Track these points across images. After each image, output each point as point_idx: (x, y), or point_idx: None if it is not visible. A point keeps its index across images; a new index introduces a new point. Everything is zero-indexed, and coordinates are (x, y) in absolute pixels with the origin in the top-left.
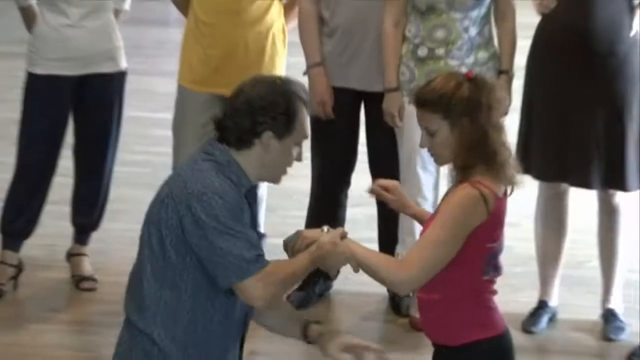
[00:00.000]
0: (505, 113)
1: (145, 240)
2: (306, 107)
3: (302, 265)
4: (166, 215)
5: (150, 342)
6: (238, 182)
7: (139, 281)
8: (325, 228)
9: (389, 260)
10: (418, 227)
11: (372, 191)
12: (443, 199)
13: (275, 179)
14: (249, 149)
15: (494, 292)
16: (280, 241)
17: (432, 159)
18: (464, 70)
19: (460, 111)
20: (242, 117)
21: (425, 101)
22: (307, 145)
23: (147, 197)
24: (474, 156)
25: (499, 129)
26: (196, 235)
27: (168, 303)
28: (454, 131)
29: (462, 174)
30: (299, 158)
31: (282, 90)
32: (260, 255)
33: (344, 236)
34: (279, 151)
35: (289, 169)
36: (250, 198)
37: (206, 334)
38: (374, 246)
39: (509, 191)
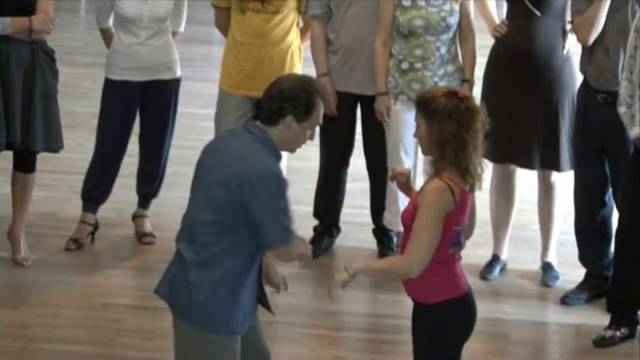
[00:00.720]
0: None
1: (207, 194)
2: (323, 102)
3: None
4: (229, 184)
5: (192, 267)
6: (276, 155)
7: (192, 221)
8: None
9: (394, 259)
10: (401, 198)
11: (391, 178)
12: (420, 191)
13: (292, 150)
14: (275, 126)
15: (459, 260)
16: (297, 208)
17: (412, 146)
18: (436, 79)
19: (435, 115)
20: (273, 102)
21: (418, 100)
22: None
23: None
24: (440, 154)
25: (467, 143)
26: (255, 208)
27: (210, 243)
28: (427, 129)
29: (434, 168)
30: (312, 138)
31: (306, 87)
32: (293, 230)
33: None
34: (297, 131)
35: (304, 148)
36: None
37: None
38: (367, 212)
39: (476, 188)
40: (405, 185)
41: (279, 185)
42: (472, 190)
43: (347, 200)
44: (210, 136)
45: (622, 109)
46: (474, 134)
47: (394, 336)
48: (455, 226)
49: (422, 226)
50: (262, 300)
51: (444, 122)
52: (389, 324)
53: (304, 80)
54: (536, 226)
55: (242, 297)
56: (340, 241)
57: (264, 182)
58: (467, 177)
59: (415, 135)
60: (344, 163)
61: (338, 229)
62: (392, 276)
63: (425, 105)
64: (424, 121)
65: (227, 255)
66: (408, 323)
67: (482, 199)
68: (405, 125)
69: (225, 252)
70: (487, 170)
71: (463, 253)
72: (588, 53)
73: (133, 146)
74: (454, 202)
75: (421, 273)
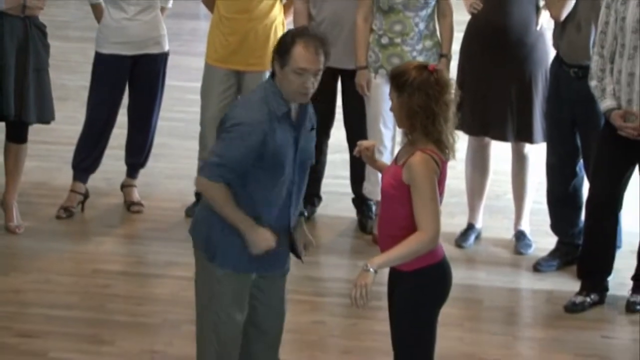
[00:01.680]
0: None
1: None
2: (305, 45)
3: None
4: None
5: (203, 204)
6: (277, 106)
7: None
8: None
9: (410, 239)
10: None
11: (357, 152)
12: (397, 161)
13: (293, 99)
14: (275, 77)
15: None
16: None
17: (391, 119)
18: (414, 54)
19: (405, 88)
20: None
21: (391, 74)
22: None
23: (181, 144)
24: (410, 126)
25: (435, 114)
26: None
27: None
28: (398, 102)
29: (407, 139)
30: (306, 85)
31: (286, 34)
32: (223, 176)
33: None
34: (283, 77)
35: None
36: (284, 120)
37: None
38: (347, 182)
39: (450, 157)
40: (371, 159)
41: (238, 132)
42: (447, 159)
43: (328, 170)
44: (196, 108)
45: (593, 83)
46: (443, 106)
47: (374, 302)
48: None
49: (426, 199)
50: (293, 249)
51: (412, 94)
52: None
53: (290, 29)
54: (510, 196)
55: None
56: (321, 210)
57: (232, 127)
58: (442, 147)
59: (390, 108)
60: (325, 135)
61: (319, 198)
62: (417, 255)
63: (397, 79)
64: (395, 94)
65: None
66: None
67: (458, 169)
68: (384, 99)
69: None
70: (463, 142)
71: (446, 223)
72: (560, 29)
73: (122, 118)
74: (438, 171)
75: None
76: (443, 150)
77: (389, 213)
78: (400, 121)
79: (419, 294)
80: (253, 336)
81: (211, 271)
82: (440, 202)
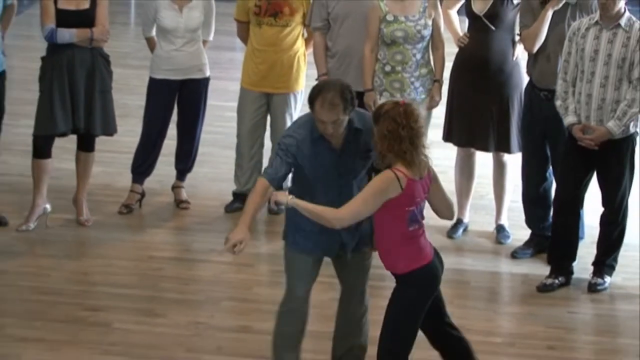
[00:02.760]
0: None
1: None
2: (321, 103)
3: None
4: None
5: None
6: (312, 130)
7: None
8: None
9: (329, 209)
10: None
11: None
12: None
13: (324, 134)
14: None
15: (422, 235)
16: None
17: None
18: (412, 80)
19: (379, 117)
20: None
21: (374, 110)
22: None
23: (222, 152)
24: (385, 150)
25: (402, 137)
26: None
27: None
28: (375, 129)
29: (382, 161)
30: (327, 131)
31: (314, 87)
32: (273, 178)
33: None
34: (315, 119)
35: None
36: (320, 144)
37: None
38: None
39: (423, 174)
40: None
41: (282, 142)
42: (417, 176)
43: None
44: (233, 123)
45: (558, 102)
46: (410, 131)
47: (379, 282)
48: (407, 207)
49: (360, 198)
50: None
51: (384, 121)
52: (375, 273)
53: (316, 84)
54: (491, 196)
55: (304, 223)
56: None
57: (281, 137)
58: (408, 165)
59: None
60: None
61: None
62: (319, 219)
63: (376, 112)
64: (375, 126)
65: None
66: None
67: (449, 174)
68: None
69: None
70: (452, 151)
71: (434, 216)
72: (533, 59)
73: (172, 131)
74: (400, 189)
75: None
76: (411, 167)
77: (377, 234)
78: (376, 146)
79: (410, 292)
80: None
81: (285, 250)
82: (421, 206)
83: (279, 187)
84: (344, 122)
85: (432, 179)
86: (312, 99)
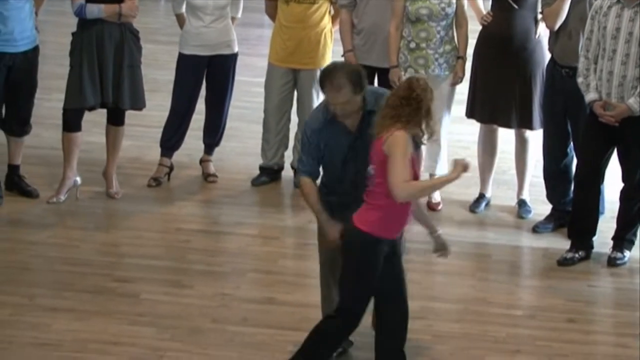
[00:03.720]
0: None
1: None
2: (329, 87)
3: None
4: None
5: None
6: (325, 112)
7: None
8: None
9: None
10: (442, 155)
11: None
12: (380, 139)
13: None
14: None
15: (404, 208)
16: None
17: None
18: (436, 56)
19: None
20: None
21: None
22: None
23: (249, 127)
24: (395, 115)
25: (414, 110)
26: None
27: None
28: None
29: (391, 121)
30: (334, 111)
31: (323, 70)
32: (311, 172)
33: None
34: (326, 101)
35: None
36: (335, 125)
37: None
38: None
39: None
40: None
41: (304, 133)
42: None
43: None
44: (260, 99)
45: (579, 79)
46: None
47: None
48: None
49: (397, 164)
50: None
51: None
52: None
53: (325, 67)
54: (513, 171)
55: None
56: None
57: (303, 132)
58: (415, 133)
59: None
60: None
61: None
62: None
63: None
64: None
65: None
66: (416, 245)
67: (472, 149)
68: None
69: None
70: (475, 127)
71: (457, 191)
72: (554, 37)
73: (200, 106)
74: (413, 147)
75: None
76: (417, 137)
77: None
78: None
79: (355, 251)
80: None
81: None
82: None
83: (318, 176)
84: (354, 104)
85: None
86: (321, 81)
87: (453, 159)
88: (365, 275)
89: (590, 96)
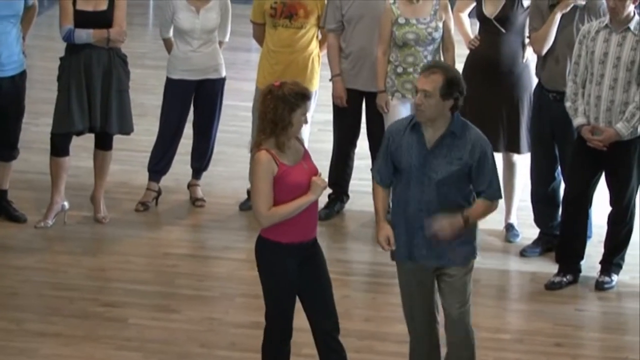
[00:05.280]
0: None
1: None
2: (426, 70)
3: None
4: None
5: None
6: (412, 117)
7: None
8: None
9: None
10: None
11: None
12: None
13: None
14: None
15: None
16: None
17: None
18: None
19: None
20: None
21: None
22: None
23: (237, 151)
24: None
25: (265, 122)
26: None
27: None
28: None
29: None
30: (416, 102)
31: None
32: (382, 179)
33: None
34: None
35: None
36: (414, 133)
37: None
38: (369, 183)
39: None
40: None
41: (385, 134)
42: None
43: (355, 174)
44: (248, 123)
45: (567, 104)
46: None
47: (389, 280)
48: None
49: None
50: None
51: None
52: (386, 270)
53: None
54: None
55: (398, 228)
56: (348, 206)
57: None
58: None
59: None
60: (352, 145)
61: (347, 196)
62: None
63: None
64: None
65: None
66: (393, 269)
67: None
68: (399, 116)
69: None
70: None
71: None
72: (542, 61)
73: (188, 130)
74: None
75: None
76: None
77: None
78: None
79: (263, 263)
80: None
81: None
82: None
83: (391, 183)
84: (437, 106)
85: None
86: (423, 69)
87: (312, 179)
88: (278, 284)
89: (578, 121)
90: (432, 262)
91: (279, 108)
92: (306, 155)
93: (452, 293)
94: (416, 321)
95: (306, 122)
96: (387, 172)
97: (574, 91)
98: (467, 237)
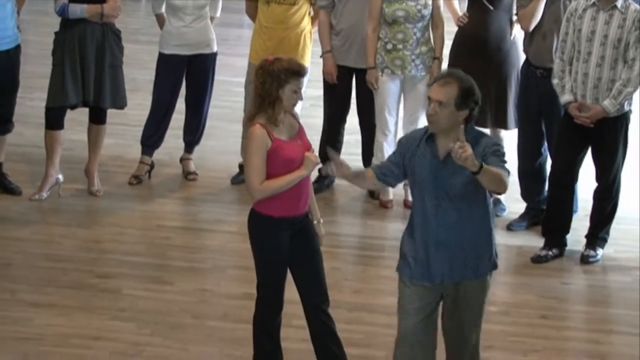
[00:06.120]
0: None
1: None
2: (442, 79)
3: None
4: None
5: None
6: (427, 129)
7: None
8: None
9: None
10: (385, 147)
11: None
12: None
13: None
14: None
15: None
16: None
17: (394, 108)
18: (413, 57)
19: None
20: None
21: None
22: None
23: (228, 126)
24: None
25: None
26: None
27: None
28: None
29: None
30: (428, 112)
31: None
32: (377, 172)
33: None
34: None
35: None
36: (428, 145)
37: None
38: (359, 157)
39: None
40: (345, 172)
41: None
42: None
43: (344, 148)
44: (240, 98)
45: (555, 81)
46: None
47: (379, 252)
48: None
49: None
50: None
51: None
52: (375, 243)
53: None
54: None
55: (405, 245)
56: (338, 180)
57: None
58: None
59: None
60: (342, 120)
61: None
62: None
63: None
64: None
65: None
66: (391, 242)
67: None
68: (389, 92)
69: None
70: None
71: None
72: (529, 38)
73: (180, 105)
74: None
75: None
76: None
77: None
78: None
79: (257, 236)
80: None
81: None
82: None
83: (384, 183)
84: (450, 116)
85: None
86: (438, 77)
87: (305, 154)
88: (270, 257)
89: (565, 98)
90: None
91: (267, 83)
92: (301, 131)
93: (465, 310)
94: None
95: (300, 98)
96: (388, 168)
97: (561, 68)
98: (484, 248)
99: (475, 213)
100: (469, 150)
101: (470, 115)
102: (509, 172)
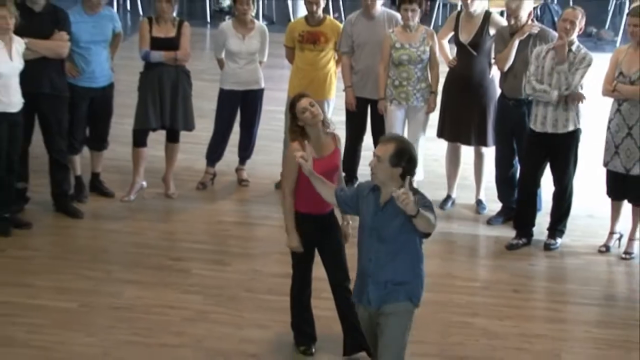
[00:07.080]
0: None
1: None
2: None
3: None
4: None
5: None
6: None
7: None
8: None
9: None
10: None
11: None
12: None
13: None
14: None
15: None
16: None
17: (400, 131)
18: (415, 92)
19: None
20: None
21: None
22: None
23: (273, 144)
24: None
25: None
26: None
27: None
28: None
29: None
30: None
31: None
32: (337, 191)
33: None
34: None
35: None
36: (373, 194)
37: None
38: None
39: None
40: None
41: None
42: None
43: (362, 161)
44: (282, 123)
45: (539, 88)
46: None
47: None
48: None
49: None
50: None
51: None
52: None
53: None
54: (472, 178)
55: (358, 264)
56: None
57: None
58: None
59: None
60: (360, 140)
61: (356, 178)
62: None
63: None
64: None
65: None
66: None
67: (441, 162)
68: (396, 118)
69: None
70: (444, 144)
71: (430, 193)
72: (504, 76)
73: (236, 128)
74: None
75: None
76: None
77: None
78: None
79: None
80: None
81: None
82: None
83: (338, 202)
84: (386, 171)
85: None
86: (383, 138)
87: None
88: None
89: (554, 94)
90: (374, 306)
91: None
92: (335, 153)
93: (386, 335)
94: None
95: (312, 115)
96: (347, 196)
97: (532, 85)
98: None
99: (407, 256)
100: (411, 196)
101: (404, 172)
102: (435, 216)
